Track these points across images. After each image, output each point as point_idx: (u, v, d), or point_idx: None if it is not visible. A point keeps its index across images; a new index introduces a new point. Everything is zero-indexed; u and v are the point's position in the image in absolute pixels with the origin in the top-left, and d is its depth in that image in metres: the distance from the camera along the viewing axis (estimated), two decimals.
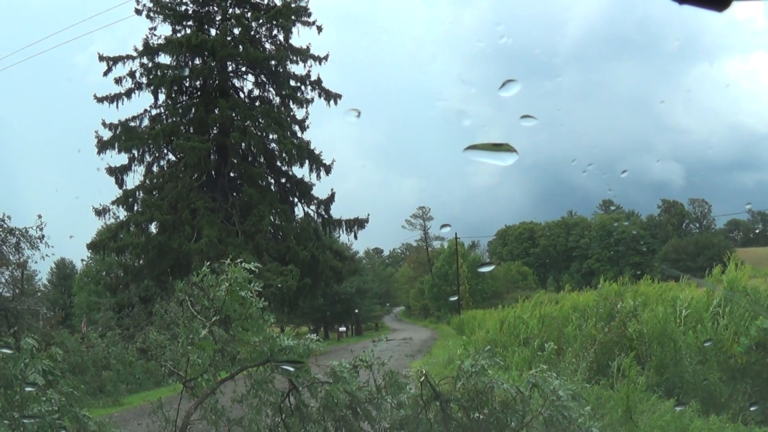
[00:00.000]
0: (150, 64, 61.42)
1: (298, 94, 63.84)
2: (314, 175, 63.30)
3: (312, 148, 63.33)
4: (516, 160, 4.11)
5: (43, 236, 35.04)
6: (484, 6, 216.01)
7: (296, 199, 65.25)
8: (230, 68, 63.70)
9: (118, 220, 60.98)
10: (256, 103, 64.00)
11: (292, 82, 64.03)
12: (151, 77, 61.04)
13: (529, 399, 11.16)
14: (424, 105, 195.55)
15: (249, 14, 62.35)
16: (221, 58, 60.43)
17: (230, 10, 62.63)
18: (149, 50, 61.26)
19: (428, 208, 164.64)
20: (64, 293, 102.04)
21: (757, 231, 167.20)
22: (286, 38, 63.47)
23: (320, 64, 64.04)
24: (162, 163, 62.66)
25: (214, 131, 60.73)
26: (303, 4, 63.10)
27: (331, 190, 65.50)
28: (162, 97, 62.02)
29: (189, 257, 53.16)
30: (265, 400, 11.29)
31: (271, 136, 62.48)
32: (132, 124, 60.99)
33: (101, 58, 60.53)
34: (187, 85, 62.85)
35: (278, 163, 64.07)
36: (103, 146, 59.80)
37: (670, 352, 18.19)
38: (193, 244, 55.01)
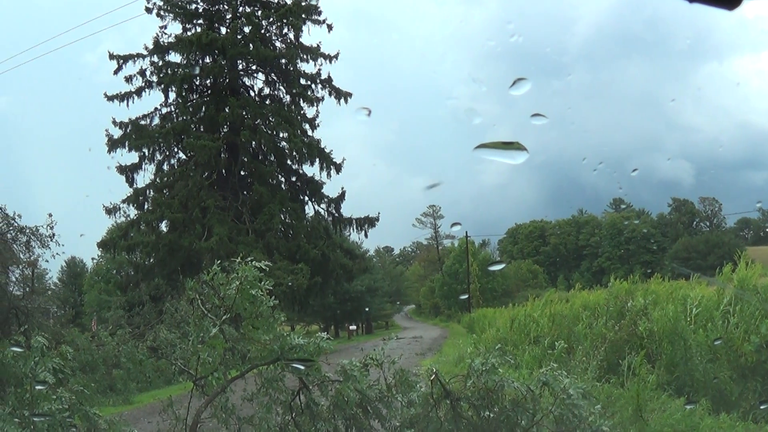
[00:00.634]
0: (160, 63, 61.48)
1: (309, 93, 63.82)
2: (325, 173, 63.30)
3: (322, 146, 63.36)
4: (526, 158, 4.11)
5: (54, 235, 35.00)
6: (493, 5, 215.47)
7: (307, 198, 65.22)
8: (241, 67, 63.71)
9: (129, 219, 61.06)
10: (267, 102, 64.04)
11: (303, 81, 63.99)
12: (161, 76, 61.07)
13: (540, 397, 11.17)
14: (434, 103, 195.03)
15: (259, 13, 62.42)
16: (232, 56, 60.44)
17: (241, 9, 62.62)
18: (160, 49, 61.28)
19: (439, 206, 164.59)
20: (75, 292, 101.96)
21: (767, 229, 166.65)
22: (297, 37, 63.51)
23: (330, 62, 64.05)
24: (172, 161, 62.75)
25: (225, 130, 60.74)
26: (313, 2, 63.11)
27: (342, 188, 65.51)
28: (172, 95, 62.09)
29: (199, 256, 53.22)
30: (276, 398, 11.32)
31: (281, 135, 62.51)
32: (142, 122, 61.08)
33: (112, 57, 60.60)
34: (197, 83, 62.86)
35: (289, 162, 64.11)
36: (113, 145, 59.86)
37: (681, 350, 18.14)
38: (204, 243, 55.06)
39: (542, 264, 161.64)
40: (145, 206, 61.03)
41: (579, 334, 24.06)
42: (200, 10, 62.43)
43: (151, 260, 60.68)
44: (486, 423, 10.97)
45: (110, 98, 60.27)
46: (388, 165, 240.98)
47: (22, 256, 34.96)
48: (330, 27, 63.47)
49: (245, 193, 60.63)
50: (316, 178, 63.87)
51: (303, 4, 62.32)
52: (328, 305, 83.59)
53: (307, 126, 64.09)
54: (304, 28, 62.90)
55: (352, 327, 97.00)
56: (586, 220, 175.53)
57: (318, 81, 63.80)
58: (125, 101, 60.55)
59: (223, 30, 62.02)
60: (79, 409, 11.59)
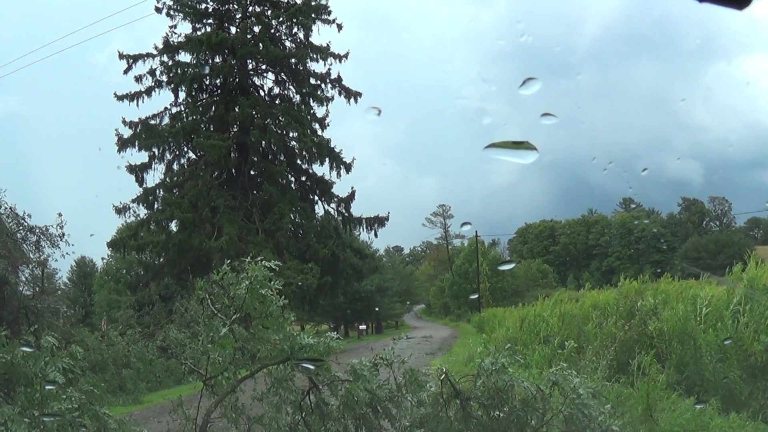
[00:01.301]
0: (170, 62, 61.52)
1: (318, 92, 63.89)
2: (334, 173, 63.39)
3: (332, 146, 63.43)
4: (536, 158, 4.12)
5: (64, 234, 35.04)
6: (502, 4, 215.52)
7: (316, 197, 65.26)
8: (250, 66, 63.77)
9: (139, 219, 61.18)
10: (277, 101, 64.07)
11: (313, 80, 64.05)
12: (171, 75, 61.14)
13: (550, 397, 11.16)
14: (444, 103, 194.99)
15: (269, 12, 62.47)
16: (241, 56, 60.52)
17: (250, 8, 62.68)
18: (169, 48, 61.34)
19: (448, 206, 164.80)
20: (85, 291, 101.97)
21: None
22: (306, 36, 63.59)
23: (340, 62, 64.10)
24: (182, 161, 62.82)
25: (235, 129, 60.84)
26: (323, 2, 63.16)
27: (352, 188, 65.55)
28: (182, 95, 62.14)
29: (209, 255, 53.26)
30: (285, 398, 11.31)
31: (291, 134, 62.53)
32: (152, 122, 61.15)
33: (121, 56, 60.67)
34: (207, 83, 62.90)
35: (298, 161, 64.17)
36: (123, 144, 59.94)
37: (691, 350, 18.13)
38: (214, 242, 55.10)
39: (552, 263, 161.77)
40: (155, 206, 61.13)
41: (589, 333, 24.08)
42: (210, 10, 62.47)
43: (161, 260, 60.84)
44: (496, 423, 10.97)
45: (120, 98, 60.40)
46: (398, 164, 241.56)
47: (32, 255, 35.05)
48: (340, 26, 63.63)
49: (255, 192, 60.65)
50: (326, 177, 64.03)
51: (313, 3, 62.40)
52: (337, 305, 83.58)
53: (317, 125, 64.14)
54: (314, 27, 63.05)
55: (362, 327, 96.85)
56: (596, 220, 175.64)
57: (328, 80, 63.88)
58: (135, 101, 60.68)
59: (233, 29, 62.12)
60: (89, 408, 11.60)
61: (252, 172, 61.72)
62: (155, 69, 61.18)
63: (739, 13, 2.79)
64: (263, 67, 64.32)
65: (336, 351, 11.24)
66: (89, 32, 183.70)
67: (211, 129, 60.39)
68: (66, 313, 45.38)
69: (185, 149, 62.17)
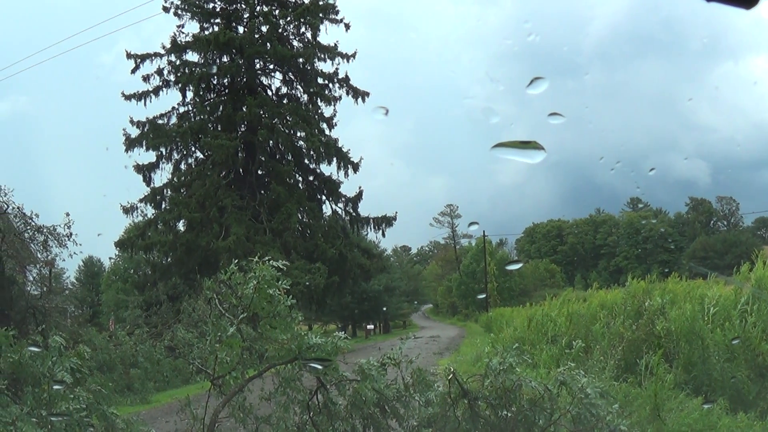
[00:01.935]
0: (178, 62, 61.66)
1: (326, 92, 64.00)
2: (342, 172, 63.53)
3: (340, 145, 63.51)
4: (544, 157, 4.11)
5: (71, 234, 34.95)
6: (508, 4, 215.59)
7: (324, 197, 65.39)
8: (258, 66, 63.87)
9: (146, 218, 61.35)
10: (284, 101, 64.15)
11: (320, 80, 64.19)
12: (179, 75, 61.25)
13: (557, 397, 11.15)
14: (451, 103, 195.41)
15: (277, 12, 62.50)
16: (249, 55, 60.60)
17: (258, 8, 62.74)
18: (177, 48, 61.45)
19: (456, 205, 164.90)
20: (92, 291, 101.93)
21: None
22: (314, 36, 63.76)
23: (348, 61, 64.24)
24: (190, 160, 62.97)
25: (242, 129, 60.96)
26: (331, 1, 63.22)
27: (359, 187, 65.67)
28: (190, 94, 62.29)
29: (217, 255, 53.22)
30: (293, 397, 11.32)
31: (298, 134, 62.59)
32: (160, 121, 61.28)
33: (129, 56, 60.80)
34: (215, 82, 63.05)
35: (306, 161, 64.22)
36: (130, 144, 60.05)
37: (698, 349, 18.10)
38: (221, 242, 55.14)
39: (560, 263, 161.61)
40: (163, 205, 61.30)
41: (596, 333, 24.02)
42: (218, 9, 62.62)
43: (169, 259, 60.90)
44: (503, 422, 10.96)
45: (128, 97, 60.55)
46: (405, 164, 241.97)
47: (39, 255, 35.05)
48: (347, 26, 63.72)
49: (263, 192, 60.75)
50: (334, 177, 64.21)
51: (320, 3, 62.52)
52: (345, 304, 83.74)
53: (324, 125, 64.23)
54: (322, 27, 63.28)
55: (370, 326, 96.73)
56: (604, 220, 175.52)
57: (335, 80, 64.02)
58: (143, 100, 60.85)
59: (241, 29, 62.32)
60: (97, 408, 11.61)
61: (259, 172, 61.80)
62: (163, 68, 61.41)
63: (746, 13, 2.79)
64: (271, 66, 64.48)
65: (344, 351, 11.23)
66: (96, 32, 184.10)
67: (219, 129, 60.45)
68: (74, 312, 45.36)
69: (193, 149, 62.30)
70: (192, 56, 62.12)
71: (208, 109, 61.82)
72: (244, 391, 11.44)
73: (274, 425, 11.27)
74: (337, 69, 64.12)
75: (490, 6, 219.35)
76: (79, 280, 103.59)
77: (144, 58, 60.90)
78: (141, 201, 60.99)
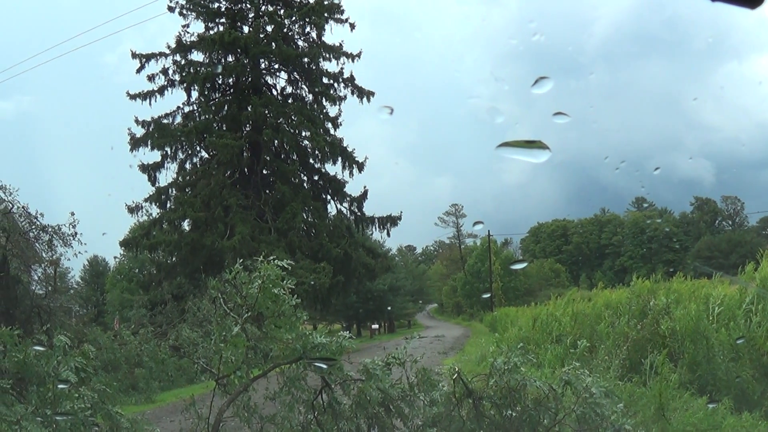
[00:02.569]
0: (183, 62, 61.61)
1: (331, 92, 63.83)
2: (347, 172, 63.30)
3: (345, 145, 63.33)
4: (548, 157, 4.11)
5: (76, 233, 34.91)
6: (513, 4, 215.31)
7: (329, 197, 65.30)
8: (263, 65, 63.75)
9: (151, 218, 61.21)
10: (289, 101, 64.09)
11: (325, 80, 64.05)
12: (184, 74, 61.17)
13: (562, 396, 11.18)
14: (456, 102, 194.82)
15: (282, 11, 62.49)
16: (254, 55, 60.55)
17: (263, 8, 62.72)
18: (182, 47, 61.39)
19: (461, 205, 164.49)
20: (97, 290, 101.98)
21: None
22: (319, 35, 63.59)
23: (353, 61, 64.07)
24: (195, 160, 62.86)
25: (247, 128, 60.87)
26: (336, 1, 63.12)
27: (364, 187, 65.52)
28: (195, 94, 62.10)
29: (222, 254, 53.24)
30: (298, 397, 11.33)
31: (303, 134, 62.53)
32: (165, 121, 61.16)
33: (134, 56, 60.77)
34: (220, 82, 63.04)
35: (311, 161, 64.16)
36: (135, 143, 60.01)
37: (703, 349, 18.10)
38: (226, 242, 55.08)
39: (564, 263, 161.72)
40: (168, 205, 61.23)
41: (601, 333, 24.05)
42: (223, 9, 62.52)
43: (174, 259, 60.89)
44: (508, 422, 10.98)
45: (132, 97, 60.47)
46: (410, 164, 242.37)
47: (44, 254, 35.04)
48: (352, 26, 63.51)
49: (267, 191, 60.73)
50: (339, 176, 64.03)
51: (325, 2, 62.34)
52: (350, 304, 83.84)
53: (329, 125, 64.07)
54: (327, 26, 63.08)
55: (375, 326, 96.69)
56: (609, 219, 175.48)
57: (340, 80, 63.89)
58: (148, 100, 60.76)
59: (246, 29, 62.17)
60: (102, 407, 11.64)
61: (264, 172, 61.71)
62: (168, 68, 61.32)
63: (750, 13, 2.79)
64: (276, 66, 64.31)
65: (348, 350, 11.26)
66: (100, 32, 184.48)
67: (224, 128, 60.44)
68: (78, 312, 45.42)
69: (198, 148, 62.21)
70: (197, 56, 62.18)
71: (213, 108, 61.86)
72: (248, 391, 11.47)
73: (278, 425, 11.29)
74: (342, 69, 64.06)
75: (495, 6, 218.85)
76: (84, 279, 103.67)
77: (149, 57, 60.89)
78: (146, 200, 60.94)
